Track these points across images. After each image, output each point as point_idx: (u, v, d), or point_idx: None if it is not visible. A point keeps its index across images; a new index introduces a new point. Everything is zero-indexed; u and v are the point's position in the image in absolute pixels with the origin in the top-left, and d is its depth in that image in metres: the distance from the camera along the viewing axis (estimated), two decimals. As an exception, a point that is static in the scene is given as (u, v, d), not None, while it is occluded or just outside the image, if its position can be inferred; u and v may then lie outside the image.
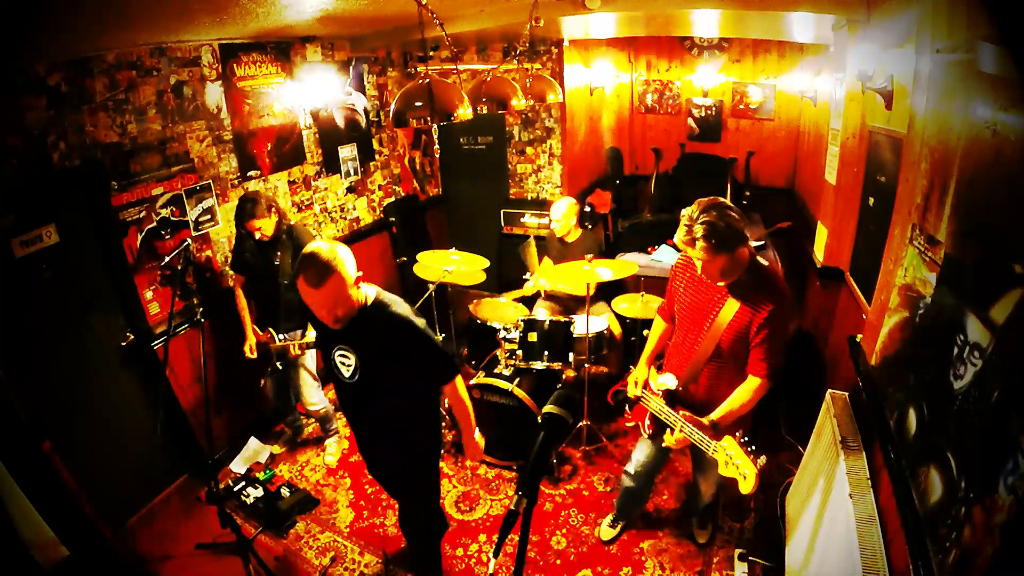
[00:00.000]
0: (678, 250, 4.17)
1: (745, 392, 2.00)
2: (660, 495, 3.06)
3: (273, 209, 2.94)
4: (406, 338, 1.88)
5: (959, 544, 1.21)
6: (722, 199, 1.88)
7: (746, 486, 1.81)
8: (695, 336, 2.11)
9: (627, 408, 2.44)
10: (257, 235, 2.92)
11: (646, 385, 2.32)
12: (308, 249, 1.70)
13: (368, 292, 1.89)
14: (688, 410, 2.07)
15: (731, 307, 1.96)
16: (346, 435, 3.72)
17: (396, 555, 2.78)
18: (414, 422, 2.10)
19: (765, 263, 2.01)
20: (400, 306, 1.91)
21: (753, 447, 1.84)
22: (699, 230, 1.80)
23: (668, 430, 2.10)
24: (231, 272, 3.22)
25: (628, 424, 2.47)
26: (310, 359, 3.23)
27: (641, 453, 2.50)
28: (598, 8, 2.91)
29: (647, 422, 2.32)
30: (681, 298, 2.18)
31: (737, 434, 1.89)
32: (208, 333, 2.86)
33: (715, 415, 2.02)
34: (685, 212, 1.88)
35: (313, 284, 1.67)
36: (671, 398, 2.16)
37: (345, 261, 1.72)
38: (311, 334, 3.01)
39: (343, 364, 1.95)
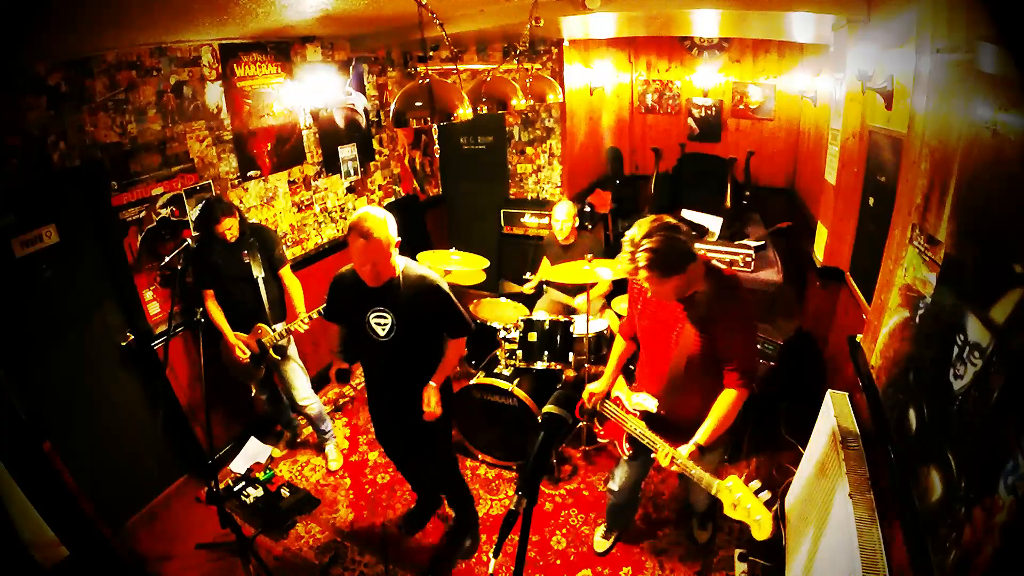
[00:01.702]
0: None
1: (722, 407, 1.90)
2: (660, 495, 3.06)
3: (235, 209, 2.96)
4: (436, 297, 2.23)
5: (959, 544, 1.21)
6: (666, 217, 1.78)
7: (761, 532, 1.66)
8: (664, 356, 2.01)
9: (597, 423, 2.34)
10: (228, 235, 2.92)
11: (617, 402, 2.22)
12: (362, 210, 2.06)
13: (400, 261, 2.20)
14: (669, 431, 1.97)
15: (690, 323, 1.88)
16: (344, 435, 3.72)
17: (396, 555, 2.78)
18: (433, 371, 2.37)
19: (721, 267, 1.92)
20: (430, 271, 2.26)
21: (760, 487, 1.69)
22: (642, 258, 1.71)
23: (652, 453, 1.98)
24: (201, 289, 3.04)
25: (602, 441, 2.38)
26: (295, 351, 3.25)
27: (622, 471, 2.40)
28: (598, 8, 2.91)
29: (625, 444, 2.19)
30: (640, 320, 2.09)
31: (747, 478, 1.76)
32: (208, 333, 2.85)
33: (699, 438, 1.88)
34: (627, 236, 1.77)
35: (364, 235, 1.99)
36: (650, 420, 2.06)
37: (390, 224, 2.07)
38: (310, 315, 3.04)
39: (379, 325, 2.23)
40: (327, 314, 2.50)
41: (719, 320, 1.85)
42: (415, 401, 2.33)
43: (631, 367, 2.46)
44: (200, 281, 3.00)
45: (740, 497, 1.73)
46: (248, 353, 3.05)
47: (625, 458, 2.26)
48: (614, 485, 2.47)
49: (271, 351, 3.07)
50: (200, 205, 3.08)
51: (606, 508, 2.72)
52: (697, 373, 1.95)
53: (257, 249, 3.05)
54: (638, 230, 1.76)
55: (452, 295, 2.25)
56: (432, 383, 2.33)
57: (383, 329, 2.22)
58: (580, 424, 3.37)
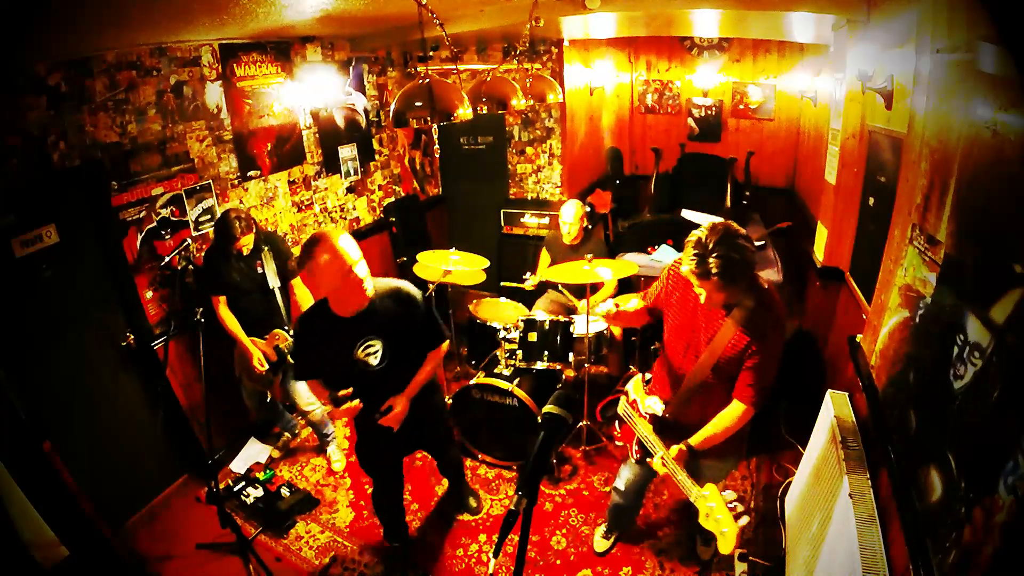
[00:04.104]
0: (678, 250, 4.18)
1: (728, 417, 1.89)
2: (660, 495, 3.06)
3: (253, 223, 2.94)
4: (414, 306, 2.13)
5: (959, 544, 1.21)
6: (732, 223, 1.73)
7: (724, 545, 1.64)
8: (688, 359, 1.99)
9: (616, 425, 2.35)
10: (245, 251, 2.92)
11: (634, 405, 2.21)
12: (317, 232, 1.91)
13: (367, 283, 2.03)
14: (674, 435, 1.97)
15: (728, 331, 1.83)
16: (344, 435, 3.72)
17: (396, 555, 2.78)
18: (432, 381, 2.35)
19: (765, 284, 1.88)
20: (399, 281, 2.16)
21: (738, 504, 1.69)
22: (714, 264, 1.64)
23: (652, 457, 1.99)
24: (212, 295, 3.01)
25: (617, 443, 2.39)
26: None
27: (629, 471, 2.40)
28: (598, 8, 2.91)
29: (635, 446, 2.19)
30: (673, 315, 2.03)
31: (729, 493, 1.72)
32: (208, 333, 2.85)
33: (693, 440, 1.91)
34: (693, 238, 1.72)
35: (356, 255, 1.90)
36: (658, 424, 2.07)
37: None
38: None
39: (370, 355, 2.07)
40: (300, 371, 2.24)
41: (756, 340, 1.80)
42: (419, 414, 2.24)
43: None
44: (214, 287, 2.96)
45: (713, 507, 1.72)
46: (266, 364, 3.01)
47: (634, 460, 2.24)
48: (620, 484, 2.46)
49: (289, 356, 3.05)
50: (218, 218, 2.98)
51: (608, 508, 2.71)
52: (716, 381, 1.92)
53: (272, 258, 3.02)
54: (707, 234, 1.69)
55: (428, 303, 2.19)
56: (404, 394, 2.16)
57: (375, 359, 2.07)
58: (580, 424, 3.37)
